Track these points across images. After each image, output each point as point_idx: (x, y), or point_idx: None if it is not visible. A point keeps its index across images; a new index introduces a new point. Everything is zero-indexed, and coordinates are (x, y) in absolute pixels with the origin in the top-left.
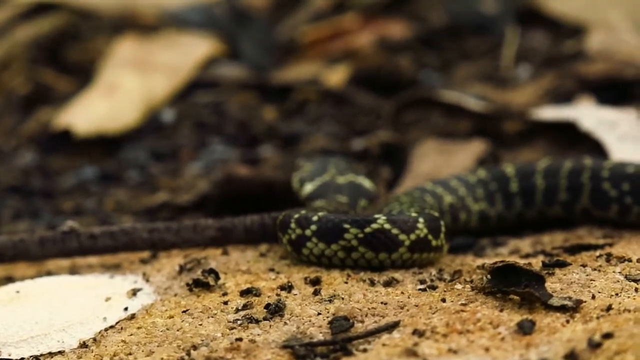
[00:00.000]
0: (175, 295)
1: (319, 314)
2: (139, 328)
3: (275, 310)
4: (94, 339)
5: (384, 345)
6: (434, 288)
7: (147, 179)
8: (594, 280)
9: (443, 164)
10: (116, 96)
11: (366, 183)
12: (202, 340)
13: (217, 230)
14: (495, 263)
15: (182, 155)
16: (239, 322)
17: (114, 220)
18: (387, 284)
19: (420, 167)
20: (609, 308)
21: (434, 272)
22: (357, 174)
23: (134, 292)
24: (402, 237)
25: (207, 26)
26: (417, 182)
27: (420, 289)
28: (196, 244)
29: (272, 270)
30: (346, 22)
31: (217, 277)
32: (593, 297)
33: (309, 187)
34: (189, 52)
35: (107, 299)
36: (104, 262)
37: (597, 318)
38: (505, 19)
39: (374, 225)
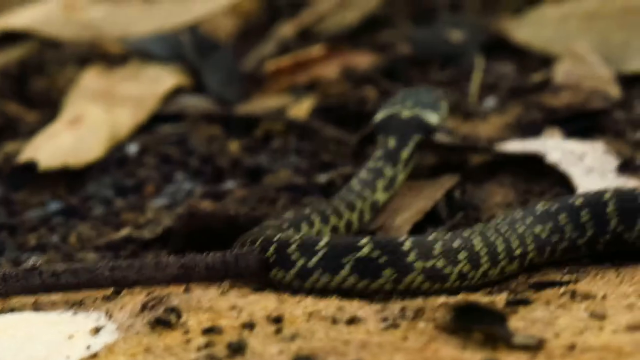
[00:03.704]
0: (138, 333)
1: (280, 352)
2: None
3: (237, 349)
4: None
5: None
6: (396, 326)
7: (112, 213)
8: (558, 318)
9: (412, 198)
10: (81, 129)
11: (431, 118)
12: None
13: (178, 268)
14: (457, 301)
15: (146, 189)
16: None
17: (77, 256)
18: (350, 322)
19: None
20: (573, 347)
21: (396, 310)
22: (424, 107)
23: (97, 330)
24: None
25: (172, 58)
26: (388, 215)
27: (382, 328)
28: (158, 282)
29: (234, 308)
30: (312, 53)
31: (179, 316)
32: (557, 335)
33: (379, 116)
34: (154, 84)
35: (70, 337)
36: (67, 298)
37: (561, 357)
38: (472, 49)
39: None
